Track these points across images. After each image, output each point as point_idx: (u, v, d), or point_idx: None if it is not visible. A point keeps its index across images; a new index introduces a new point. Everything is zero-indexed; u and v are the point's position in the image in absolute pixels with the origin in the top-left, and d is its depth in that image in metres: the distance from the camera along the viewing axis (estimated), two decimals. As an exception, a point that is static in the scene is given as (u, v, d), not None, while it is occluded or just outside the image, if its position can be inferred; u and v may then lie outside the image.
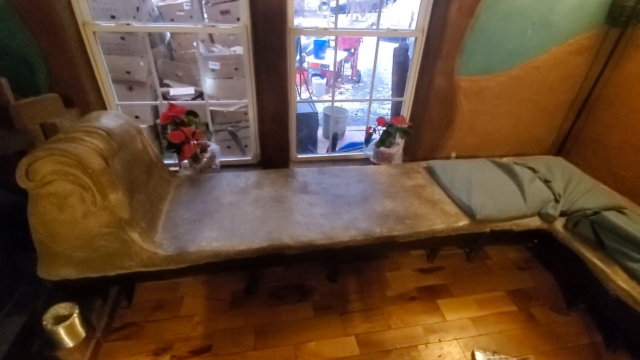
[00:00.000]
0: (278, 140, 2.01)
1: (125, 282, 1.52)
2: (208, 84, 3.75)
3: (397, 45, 2.78)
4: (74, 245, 1.22)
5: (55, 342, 1.26)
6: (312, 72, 5.81)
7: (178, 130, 1.75)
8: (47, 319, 1.24)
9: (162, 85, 3.98)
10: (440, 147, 2.23)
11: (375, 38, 2.05)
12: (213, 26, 1.81)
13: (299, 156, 2.22)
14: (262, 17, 1.64)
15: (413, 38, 2.00)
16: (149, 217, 1.43)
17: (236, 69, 3.70)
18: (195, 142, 1.82)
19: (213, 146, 2.00)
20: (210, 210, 1.59)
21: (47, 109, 1.50)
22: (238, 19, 3.85)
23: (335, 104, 3.98)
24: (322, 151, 3.05)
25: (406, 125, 2.09)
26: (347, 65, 6.66)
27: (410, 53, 2.17)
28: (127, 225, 1.25)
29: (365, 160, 2.24)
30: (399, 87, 2.61)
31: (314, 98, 5.32)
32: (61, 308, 1.29)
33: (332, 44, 5.82)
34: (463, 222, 1.62)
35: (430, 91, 1.98)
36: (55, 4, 1.45)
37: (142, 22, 1.74)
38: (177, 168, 1.95)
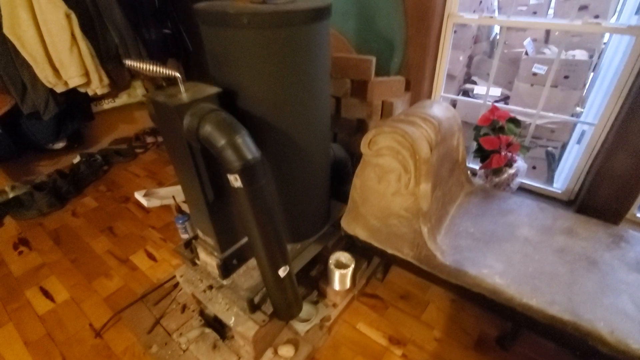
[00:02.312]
0: (623, 184, 1.45)
1: (398, 265, 1.59)
2: (521, 89, 3.31)
3: None
4: (374, 214, 1.35)
5: (329, 279, 1.50)
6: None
7: (495, 136, 1.57)
8: (332, 260, 1.48)
9: (469, 81, 3.90)
10: None
11: None
12: (597, 24, 1.40)
13: (639, 215, 1.55)
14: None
15: None
16: (438, 216, 1.39)
17: (566, 77, 3.04)
18: (507, 153, 1.60)
19: (520, 163, 1.70)
20: (499, 236, 1.37)
21: (392, 89, 1.69)
22: (597, 16, 3.08)
23: None
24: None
25: None
26: None
27: None
28: (422, 217, 1.25)
29: None
30: None
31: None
32: (343, 256, 1.50)
33: None
34: None
35: None
36: (437, -3, 1.54)
37: (505, 15, 1.60)
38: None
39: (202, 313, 1.52)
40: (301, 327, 1.42)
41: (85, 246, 2.02)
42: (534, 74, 3.18)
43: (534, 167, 2.48)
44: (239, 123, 0.89)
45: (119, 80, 2.50)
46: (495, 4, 3.74)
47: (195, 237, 1.35)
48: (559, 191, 1.73)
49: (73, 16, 2.00)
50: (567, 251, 1.29)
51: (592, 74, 2.97)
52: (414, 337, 1.46)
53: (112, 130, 2.90)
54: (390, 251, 1.39)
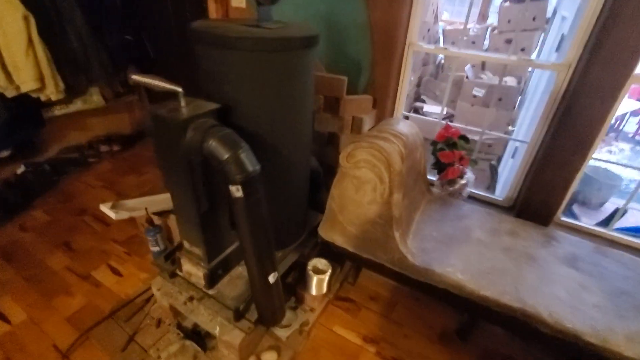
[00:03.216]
0: (551, 192, 1.74)
1: (371, 268, 1.70)
2: (463, 108, 3.72)
3: None
4: (351, 221, 1.47)
5: (307, 284, 1.58)
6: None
7: (451, 151, 1.80)
8: (310, 266, 1.56)
9: (419, 100, 4.28)
10: None
11: None
12: (529, 60, 1.70)
13: (563, 219, 1.86)
14: (602, 59, 1.41)
15: None
16: (406, 222, 1.55)
17: (500, 99, 3.48)
18: (460, 166, 1.82)
19: (470, 175, 1.95)
20: (458, 239, 1.56)
21: (362, 106, 1.85)
22: (522, 49, 3.58)
23: (607, 167, 3.11)
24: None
25: None
26: (635, 120, 5.10)
27: None
28: (395, 223, 1.39)
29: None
30: None
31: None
32: (320, 263, 1.59)
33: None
34: None
35: None
36: (398, 28, 1.74)
37: (457, 48, 1.85)
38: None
39: (179, 326, 1.50)
40: (282, 333, 1.48)
41: (40, 263, 1.87)
42: (474, 96, 3.60)
43: (475, 179, 2.81)
44: (241, 138, 0.96)
45: (75, 85, 2.37)
46: (440, 32, 4.18)
47: (177, 248, 1.35)
48: (501, 199, 2.01)
49: (31, 19, 1.89)
50: (512, 249, 1.52)
51: (519, 97, 3.45)
52: (386, 335, 1.58)
53: (61, 138, 2.71)
54: (365, 255, 1.51)
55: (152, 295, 1.63)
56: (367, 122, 1.89)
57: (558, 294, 1.32)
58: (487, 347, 1.56)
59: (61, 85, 2.18)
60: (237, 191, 0.95)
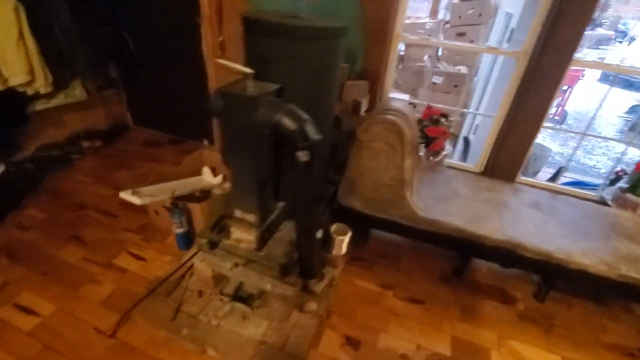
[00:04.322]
0: (514, 157, 2.15)
1: (384, 227, 1.94)
2: (423, 95, 4.15)
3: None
4: (368, 187, 1.72)
5: (330, 245, 1.81)
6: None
7: (436, 126, 2.13)
8: (332, 229, 1.79)
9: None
10: None
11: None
12: (495, 49, 2.08)
13: (522, 178, 2.30)
14: (552, 48, 1.80)
15: None
16: (411, 184, 1.84)
17: (456, 86, 3.97)
18: (443, 139, 2.17)
19: (448, 147, 2.31)
20: (449, 196, 1.90)
21: (359, 90, 2.10)
22: (472, 41, 4.10)
23: (540, 142, 3.76)
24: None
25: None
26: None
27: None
28: (406, 184, 1.67)
29: (595, 201, 2.14)
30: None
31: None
32: (339, 227, 1.82)
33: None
34: None
35: None
36: (389, 22, 2.01)
37: (437, 38, 2.17)
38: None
39: (221, 293, 1.64)
40: (316, 287, 1.69)
41: (52, 258, 1.85)
42: (434, 83, 4.05)
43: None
44: (304, 112, 1.15)
45: (60, 78, 2.30)
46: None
47: (225, 217, 1.49)
48: (473, 165, 2.40)
49: (22, 10, 1.83)
50: (492, 201, 1.90)
51: (471, 83, 3.97)
52: (398, 281, 1.87)
53: (38, 135, 2.58)
54: (379, 215, 1.78)
55: (187, 270, 1.75)
56: (364, 105, 2.15)
57: (530, 229, 1.71)
58: (477, 281, 1.92)
59: (50, 78, 2.12)
60: (303, 156, 1.15)
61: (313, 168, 1.19)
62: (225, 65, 1.07)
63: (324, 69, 1.33)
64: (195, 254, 1.72)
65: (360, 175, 1.72)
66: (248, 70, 1.10)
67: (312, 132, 1.14)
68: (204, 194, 2.22)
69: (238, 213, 1.42)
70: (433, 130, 2.12)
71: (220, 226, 1.51)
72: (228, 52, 2.50)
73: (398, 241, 2.13)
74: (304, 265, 1.45)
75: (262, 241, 1.45)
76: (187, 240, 1.92)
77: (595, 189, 2.27)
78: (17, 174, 2.28)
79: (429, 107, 2.23)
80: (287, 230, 1.58)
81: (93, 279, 1.75)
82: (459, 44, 3.00)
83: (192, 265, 1.73)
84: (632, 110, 6.85)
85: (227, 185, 2.33)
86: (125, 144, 2.99)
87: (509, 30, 2.77)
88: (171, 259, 1.89)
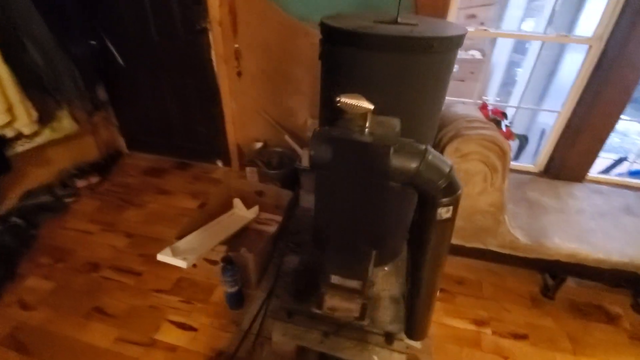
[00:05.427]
0: (585, 154, 1.95)
1: (472, 256, 1.69)
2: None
3: None
4: (459, 215, 1.45)
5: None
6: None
7: (500, 129, 1.88)
8: (417, 267, 1.52)
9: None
10: None
11: None
12: (566, 36, 1.84)
13: (590, 175, 2.11)
14: (637, 35, 1.59)
15: None
16: (497, 204, 1.60)
17: (472, 72, 3.74)
18: (510, 141, 1.93)
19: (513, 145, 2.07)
20: (535, 210, 1.67)
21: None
22: (482, 23, 3.86)
23: None
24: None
25: None
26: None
27: None
28: (504, 208, 1.42)
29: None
30: None
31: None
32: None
33: None
34: None
35: None
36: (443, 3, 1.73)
37: (495, 29, 1.90)
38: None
39: (306, 366, 1.35)
40: (415, 343, 1.43)
41: (75, 344, 1.48)
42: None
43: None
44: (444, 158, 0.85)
45: (43, 110, 1.85)
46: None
47: (311, 285, 1.19)
48: (532, 165, 2.19)
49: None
50: (582, 210, 1.69)
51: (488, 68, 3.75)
52: (490, 315, 1.65)
53: (20, 179, 2.12)
54: (469, 245, 1.53)
55: (255, 341, 1.43)
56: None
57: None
58: (571, 300, 1.73)
59: (34, 114, 1.68)
60: (446, 212, 0.86)
61: (452, 225, 0.90)
62: (352, 104, 0.75)
63: (436, 87, 1.03)
64: (262, 320, 1.41)
65: (450, 202, 1.45)
66: (368, 104, 0.78)
67: (457, 184, 0.85)
68: (240, 232, 1.89)
69: (335, 279, 1.12)
70: (504, 133, 1.87)
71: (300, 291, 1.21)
72: (245, 61, 2.12)
73: (468, 261, 1.89)
74: (417, 325, 1.18)
75: (365, 309, 1.16)
76: (240, 298, 1.60)
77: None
78: (5, 234, 1.85)
79: (485, 106, 1.97)
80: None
81: (136, 366, 1.41)
82: (527, 32, 2.71)
83: (258, 334, 1.42)
84: None
85: (265, 216, 2.00)
86: (124, 175, 2.56)
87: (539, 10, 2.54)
88: (225, 323, 1.56)
